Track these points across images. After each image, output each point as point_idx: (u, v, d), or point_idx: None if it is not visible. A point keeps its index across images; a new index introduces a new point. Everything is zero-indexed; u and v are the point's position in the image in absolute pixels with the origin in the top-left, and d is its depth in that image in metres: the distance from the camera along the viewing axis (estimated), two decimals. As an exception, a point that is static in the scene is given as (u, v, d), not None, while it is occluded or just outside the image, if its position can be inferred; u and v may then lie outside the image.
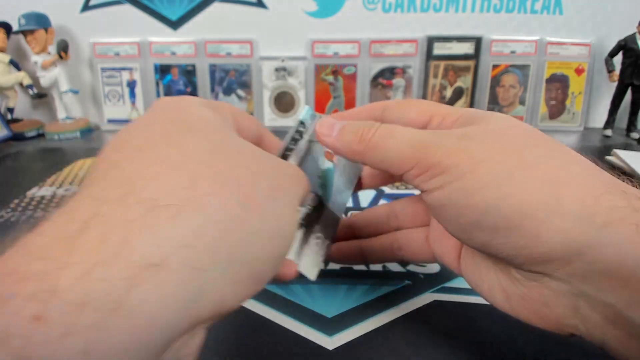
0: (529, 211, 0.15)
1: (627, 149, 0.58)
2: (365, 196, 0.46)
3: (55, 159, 0.64)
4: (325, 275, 0.32)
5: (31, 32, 0.74)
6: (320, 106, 0.79)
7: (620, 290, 0.15)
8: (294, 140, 0.23)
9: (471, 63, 0.78)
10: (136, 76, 0.80)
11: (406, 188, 0.48)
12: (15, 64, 0.77)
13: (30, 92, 0.77)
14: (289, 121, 0.79)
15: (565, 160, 0.17)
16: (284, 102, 0.79)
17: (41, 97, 0.80)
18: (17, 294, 0.09)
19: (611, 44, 0.74)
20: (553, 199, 0.15)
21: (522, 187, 0.16)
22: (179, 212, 0.12)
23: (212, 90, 0.80)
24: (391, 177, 0.27)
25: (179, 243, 0.11)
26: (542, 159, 0.17)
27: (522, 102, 0.79)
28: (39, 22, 0.74)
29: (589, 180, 0.16)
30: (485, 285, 0.20)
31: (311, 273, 0.21)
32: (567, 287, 0.16)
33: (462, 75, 0.78)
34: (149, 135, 0.15)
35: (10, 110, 0.78)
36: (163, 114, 0.17)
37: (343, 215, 0.26)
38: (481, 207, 0.16)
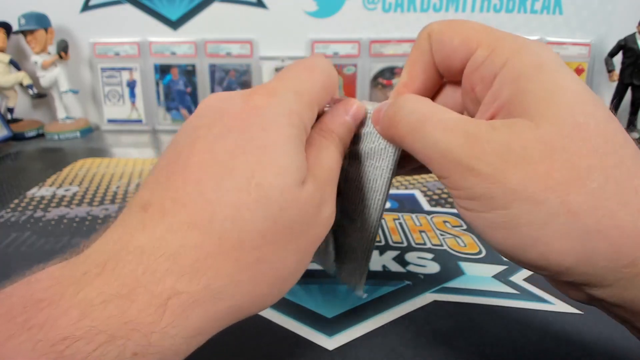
0: (556, 259, 0.14)
1: (627, 149, 0.58)
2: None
3: (55, 159, 0.64)
4: (325, 276, 0.32)
5: (31, 32, 0.74)
6: (320, 106, 0.79)
7: (637, 317, 0.15)
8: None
9: (471, 63, 0.78)
10: (136, 76, 0.80)
11: (406, 188, 0.48)
12: (15, 64, 0.77)
13: (30, 92, 0.77)
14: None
15: (620, 200, 0.14)
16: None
17: (41, 97, 0.80)
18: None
19: (611, 44, 0.74)
20: (584, 252, 0.14)
21: (555, 236, 0.14)
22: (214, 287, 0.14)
23: (212, 90, 0.80)
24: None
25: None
26: (589, 202, 0.14)
27: (522, 102, 0.79)
28: (39, 22, 0.74)
29: (636, 226, 0.14)
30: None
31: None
32: (587, 292, 0.15)
33: (462, 75, 0.78)
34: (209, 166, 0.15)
35: (10, 110, 0.78)
36: (236, 138, 0.15)
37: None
38: (508, 242, 0.15)
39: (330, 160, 0.18)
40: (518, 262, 0.16)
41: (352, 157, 0.22)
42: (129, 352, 0.12)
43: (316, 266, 0.33)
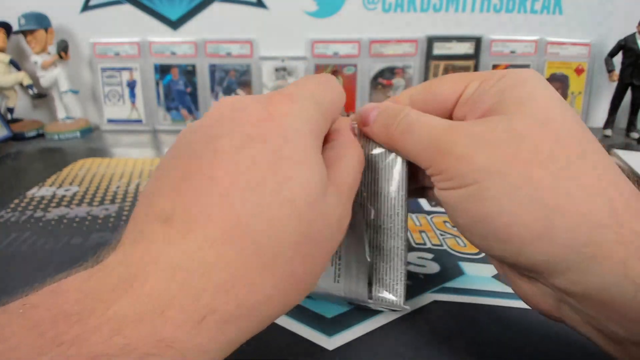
0: (518, 231, 0.16)
1: (627, 149, 0.58)
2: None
3: (55, 159, 0.64)
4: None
5: (31, 32, 0.74)
6: (320, 106, 0.79)
7: (600, 309, 0.15)
8: None
9: (471, 63, 0.78)
10: (136, 76, 0.80)
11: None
12: (15, 64, 0.77)
13: (30, 92, 0.77)
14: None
15: (580, 182, 0.15)
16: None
17: (41, 97, 0.80)
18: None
19: (611, 44, 0.74)
20: (544, 225, 0.15)
21: (518, 207, 0.16)
22: (231, 288, 0.13)
23: (212, 90, 0.80)
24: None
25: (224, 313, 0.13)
26: (550, 179, 0.15)
27: (522, 102, 0.79)
28: (39, 22, 0.74)
29: (594, 209, 0.15)
30: (491, 261, 0.21)
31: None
32: (552, 292, 0.17)
33: (462, 75, 0.78)
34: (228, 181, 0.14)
35: (10, 110, 0.78)
36: (259, 153, 0.15)
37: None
38: (477, 215, 0.17)
39: (351, 169, 0.19)
40: (484, 241, 0.17)
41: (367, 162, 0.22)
42: None
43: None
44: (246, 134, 0.15)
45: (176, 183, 0.15)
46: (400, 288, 0.24)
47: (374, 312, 0.27)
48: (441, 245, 0.36)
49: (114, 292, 0.12)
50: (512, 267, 0.18)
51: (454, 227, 0.39)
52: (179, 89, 0.80)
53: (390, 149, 0.21)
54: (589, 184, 0.15)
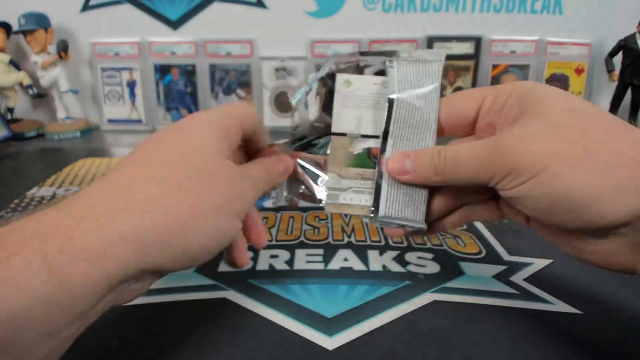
0: (594, 195, 0.18)
1: (627, 149, 0.58)
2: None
3: (55, 159, 0.64)
4: (325, 275, 0.32)
5: (31, 32, 0.74)
6: (320, 106, 0.79)
7: None
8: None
9: (471, 63, 0.78)
10: (136, 76, 0.80)
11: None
12: (15, 64, 0.77)
13: (30, 92, 0.77)
14: (289, 121, 0.79)
15: (622, 143, 0.19)
16: (284, 102, 0.79)
17: (41, 97, 0.80)
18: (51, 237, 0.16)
19: (611, 44, 0.74)
20: (613, 182, 0.18)
21: (587, 174, 0.18)
22: (147, 211, 0.17)
23: (212, 90, 0.80)
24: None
25: (138, 229, 0.17)
26: (601, 145, 0.19)
27: (522, 102, 0.79)
28: (39, 22, 0.74)
29: None
30: (555, 242, 0.23)
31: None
32: (628, 239, 0.19)
33: (462, 75, 0.78)
34: (151, 155, 0.20)
35: (10, 110, 0.78)
36: (170, 137, 0.21)
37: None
38: (555, 195, 0.19)
39: (261, 165, 0.24)
40: (568, 215, 0.19)
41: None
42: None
43: (315, 266, 0.33)
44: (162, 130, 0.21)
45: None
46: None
47: (374, 312, 0.27)
48: (441, 245, 0.36)
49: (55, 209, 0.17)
50: (590, 234, 0.20)
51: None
52: (179, 89, 0.80)
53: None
54: (635, 140, 0.19)
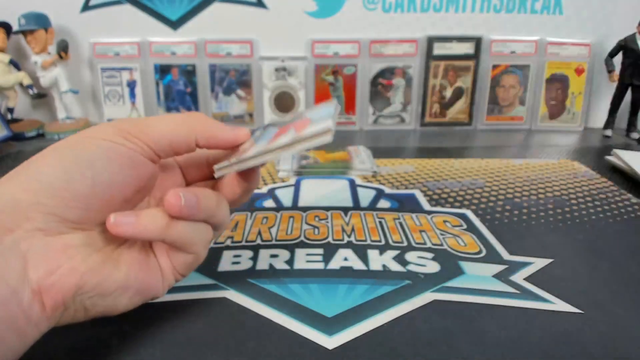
0: None
1: (627, 149, 0.58)
2: (365, 196, 0.46)
3: (55, 158, 0.64)
4: (325, 275, 0.32)
5: (31, 32, 0.74)
6: (320, 106, 0.79)
7: None
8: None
9: (471, 63, 0.78)
10: (136, 76, 0.80)
11: (406, 188, 0.48)
12: (15, 64, 0.77)
13: (30, 92, 0.77)
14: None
15: None
16: (284, 102, 0.79)
17: (41, 97, 0.80)
18: None
19: (611, 44, 0.74)
20: None
21: None
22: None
23: (212, 90, 0.80)
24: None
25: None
26: None
27: (522, 102, 0.79)
28: (39, 22, 0.74)
29: None
30: None
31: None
32: None
33: (462, 75, 0.78)
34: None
35: (10, 110, 0.78)
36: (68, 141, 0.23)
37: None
38: None
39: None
40: None
41: None
42: None
43: (315, 266, 0.33)
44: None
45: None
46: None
47: (374, 312, 0.27)
48: (441, 244, 0.36)
49: None
50: None
51: (454, 226, 0.39)
52: (179, 89, 0.80)
53: None
54: None
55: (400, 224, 0.40)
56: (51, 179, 0.20)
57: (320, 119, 0.24)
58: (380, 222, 0.40)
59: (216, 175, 0.26)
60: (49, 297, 0.19)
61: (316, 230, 0.38)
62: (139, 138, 0.23)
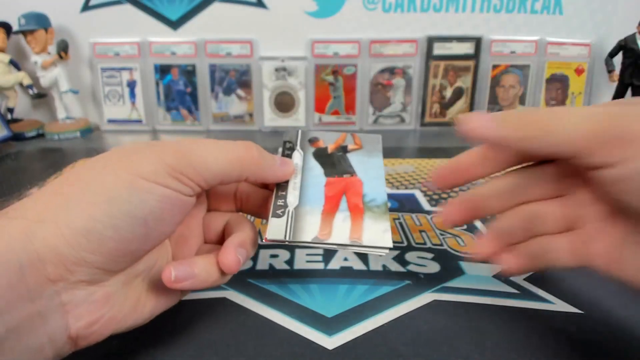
0: None
1: (627, 149, 0.58)
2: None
3: (55, 159, 0.64)
4: (325, 275, 0.32)
5: (31, 32, 0.74)
6: (320, 106, 0.79)
7: None
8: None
9: (471, 63, 0.78)
10: (136, 76, 0.80)
11: (406, 188, 0.48)
12: (15, 64, 0.77)
13: (30, 92, 0.77)
14: (288, 121, 0.79)
15: None
16: (284, 102, 0.79)
17: (41, 97, 0.80)
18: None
19: (611, 44, 0.74)
20: None
21: None
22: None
23: (212, 90, 0.80)
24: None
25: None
26: None
27: (522, 102, 0.79)
28: (39, 22, 0.74)
29: None
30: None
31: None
32: None
33: (462, 75, 0.78)
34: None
35: (10, 110, 0.78)
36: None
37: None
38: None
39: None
40: None
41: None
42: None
43: (315, 266, 0.33)
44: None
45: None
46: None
47: (374, 312, 0.27)
48: (441, 244, 0.36)
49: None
50: None
51: (454, 226, 0.39)
52: (179, 89, 0.80)
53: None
54: None
55: (400, 224, 0.40)
56: (100, 237, 0.19)
57: (377, 195, 0.27)
58: (380, 222, 0.40)
59: (267, 239, 0.25)
60: (85, 341, 0.19)
61: (316, 230, 0.38)
62: (189, 177, 0.21)
